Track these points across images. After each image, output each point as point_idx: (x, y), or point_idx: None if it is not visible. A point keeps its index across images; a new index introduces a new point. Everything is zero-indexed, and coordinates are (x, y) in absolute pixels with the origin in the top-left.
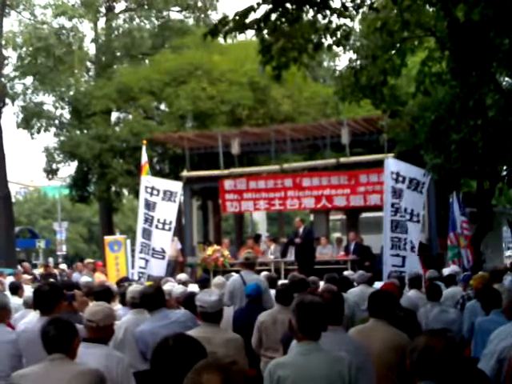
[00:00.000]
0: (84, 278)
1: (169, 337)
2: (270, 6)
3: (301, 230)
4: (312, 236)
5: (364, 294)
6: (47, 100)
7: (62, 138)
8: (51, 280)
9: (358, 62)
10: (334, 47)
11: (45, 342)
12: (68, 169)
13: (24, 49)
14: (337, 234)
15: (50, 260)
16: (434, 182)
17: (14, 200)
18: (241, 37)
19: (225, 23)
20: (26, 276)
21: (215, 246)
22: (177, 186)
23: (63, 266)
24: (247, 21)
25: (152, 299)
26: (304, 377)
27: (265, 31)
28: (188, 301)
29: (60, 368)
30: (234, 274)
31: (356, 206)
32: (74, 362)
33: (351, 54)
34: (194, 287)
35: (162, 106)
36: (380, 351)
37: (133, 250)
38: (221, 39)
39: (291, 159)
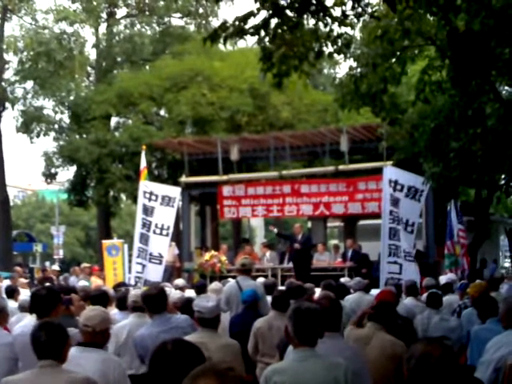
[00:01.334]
0: (81, 283)
1: (167, 342)
2: (270, 11)
3: (299, 236)
4: (311, 243)
5: (361, 301)
6: (47, 104)
7: (61, 143)
8: (48, 284)
9: (358, 70)
10: (335, 55)
11: (35, 348)
12: (67, 173)
13: (25, 53)
14: (334, 241)
15: (47, 264)
16: (432, 190)
17: (11, 204)
18: (241, 43)
19: (224, 28)
20: (23, 280)
21: (213, 252)
22: (175, 192)
23: (55, 267)
24: (247, 26)
25: (155, 301)
26: (300, 383)
27: (266, 39)
28: (185, 306)
29: (50, 376)
30: (230, 279)
31: (354, 213)
32: (65, 369)
33: (351, 62)
34: (190, 292)
35: (162, 112)
36: (377, 359)
37: (130, 255)
38: (221, 46)
39: (290, 166)
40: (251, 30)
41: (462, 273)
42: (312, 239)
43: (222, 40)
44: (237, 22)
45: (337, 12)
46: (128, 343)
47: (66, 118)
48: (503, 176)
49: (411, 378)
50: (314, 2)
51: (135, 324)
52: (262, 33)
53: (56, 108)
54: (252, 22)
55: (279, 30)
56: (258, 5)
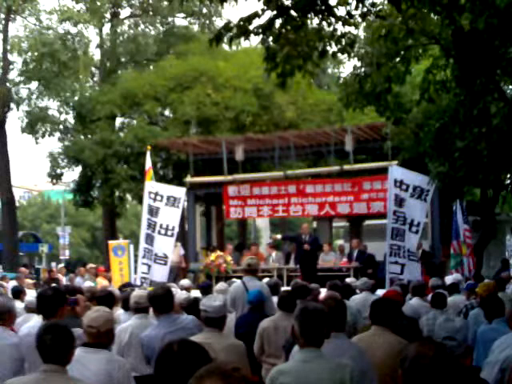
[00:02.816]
0: (87, 283)
1: (173, 342)
2: (275, 12)
3: (307, 236)
4: (318, 243)
5: (367, 301)
6: (52, 105)
7: (66, 143)
8: (54, 284)
9: (363, 70)
10: (339, 54)
11: (41, 351)
12: (72, 174)
13: (29, 54)
14: (340, 241)
15: (53, 265)
16: (437, 190)
17: (17, 204)
18: (245, 43)
19: (228, 29)
20: (29, 280)
21: (218, 252)
22: (180, 192)
23: (61, 266)
24: (251, 27)
25: (161, 301)
26: None
27: (270, 38)
28: (191, 306)
29: (53, 383)
30: (236, 280)
31: (359, 213)
32: (69, 377)
33: (355, 61)
34: (196, 293)
35: (167, 112)
36: (382, 359)
37: (136, 256)
38: (225, 46)
39: (295, 166)
40: (255, 30)
41: (469, 272)
42: (319, 240)
43: (227, 41)
44: (241, 23)
45: (341, 11)
46: (131, 345)
47: (70, 119)
48: (509, 175)
49: (405, 379)
50: (319, 1)
51: (138, 325)
52: (266, 33)
53: (61, 108)
54: (256, 22)
55: (283, 30)
56: (261, 5)
